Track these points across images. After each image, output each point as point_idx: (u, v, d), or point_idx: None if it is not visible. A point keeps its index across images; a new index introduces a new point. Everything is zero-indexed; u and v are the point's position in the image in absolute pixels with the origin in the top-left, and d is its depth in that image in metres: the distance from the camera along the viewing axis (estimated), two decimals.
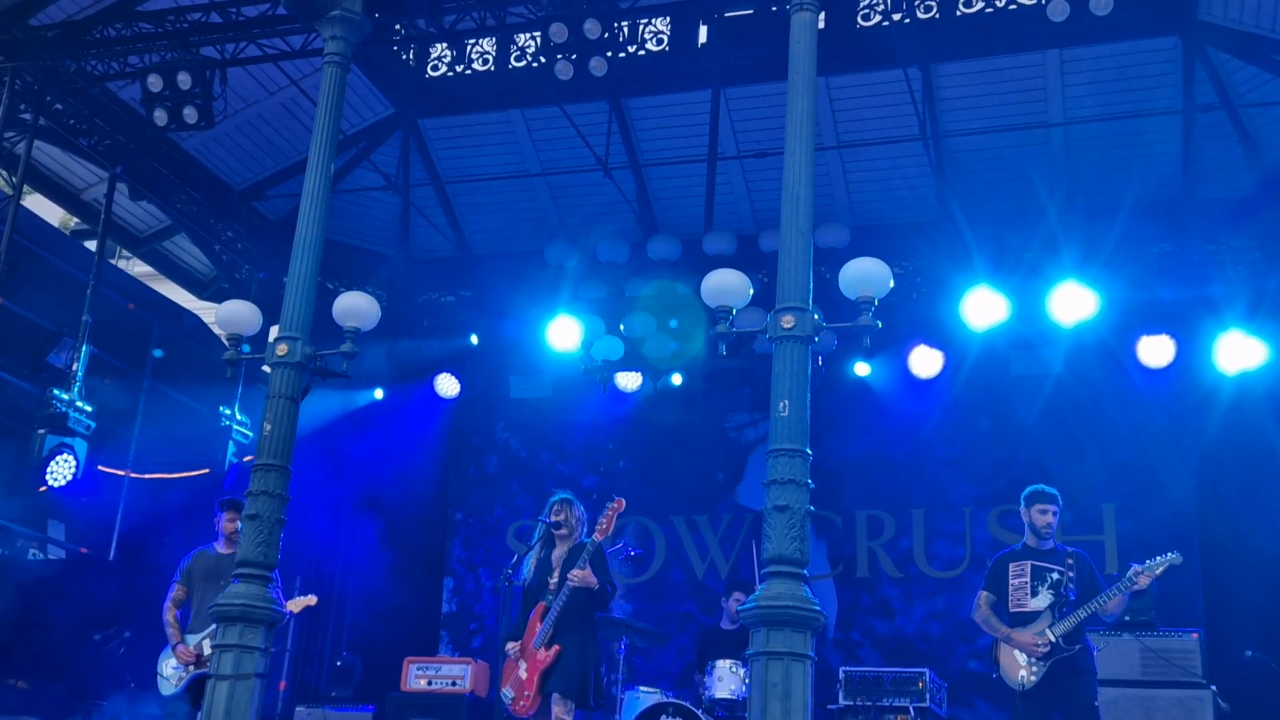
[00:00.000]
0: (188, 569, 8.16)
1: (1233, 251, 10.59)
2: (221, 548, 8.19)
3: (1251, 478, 10.19)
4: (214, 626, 7.65)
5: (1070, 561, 7.25)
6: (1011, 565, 7.38)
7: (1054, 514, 7.34)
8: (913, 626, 11.22)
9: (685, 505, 12.23)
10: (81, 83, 10.15)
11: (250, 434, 11.59)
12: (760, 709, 5.35)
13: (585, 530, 7.58)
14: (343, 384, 11.81)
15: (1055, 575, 7.20)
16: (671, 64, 10.92)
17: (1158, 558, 7.12)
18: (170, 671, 7.98)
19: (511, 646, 7.35)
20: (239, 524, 7.97)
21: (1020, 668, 7.10)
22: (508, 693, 7.29)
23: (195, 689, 7.79)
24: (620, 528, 12.21)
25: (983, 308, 10.49)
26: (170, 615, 8.02)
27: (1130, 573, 7.17)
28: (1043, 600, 7.17)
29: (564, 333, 11.52)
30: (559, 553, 7.49)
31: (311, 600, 8.55)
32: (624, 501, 7.49)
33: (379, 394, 12.86)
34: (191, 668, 7.86)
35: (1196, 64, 9.84)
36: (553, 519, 7.51)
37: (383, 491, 12.70)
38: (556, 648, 7.18)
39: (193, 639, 7.94)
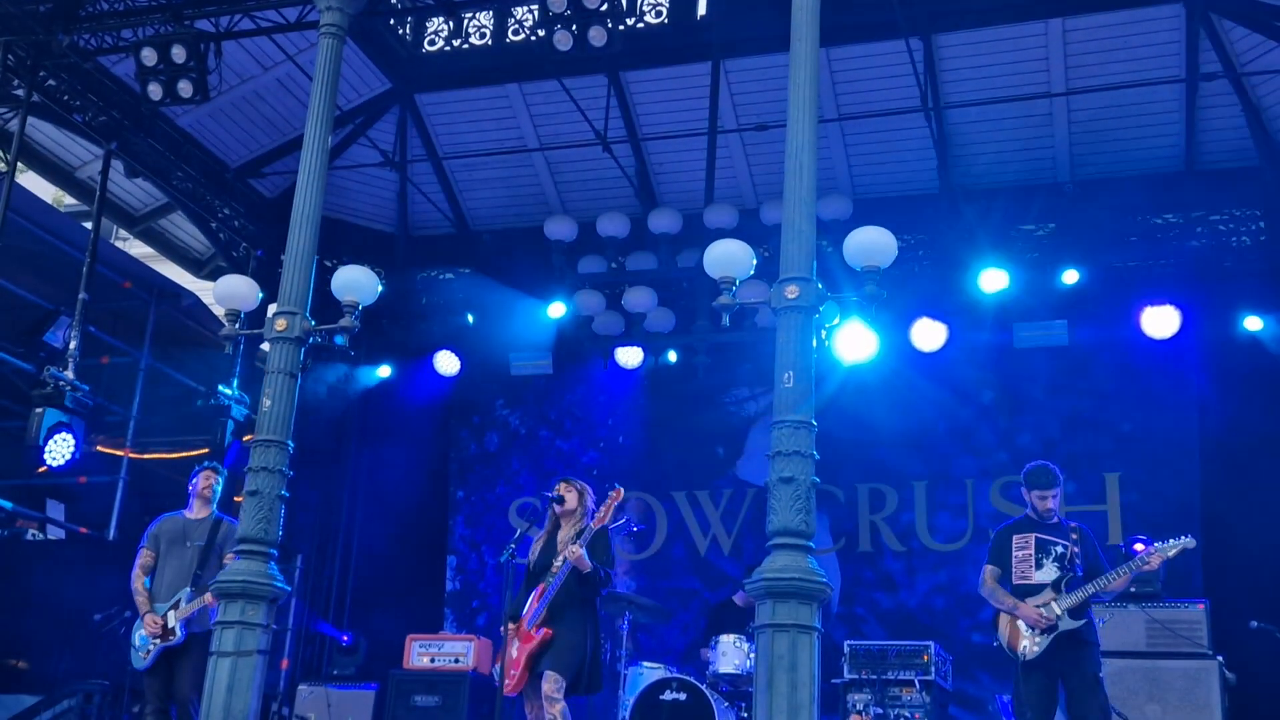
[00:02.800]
0: (155, 534, 7.82)
1: (1237, 221, 10.53)
2: (190, 513, 7.92)
3: (1256, 448, 10.15)
4: (179, 596, 7.59)
5: (1075, 536, 7.20)
6: (1015, 537, 7.32)
7: (1053, 498, 7.25)
8: (916, 600, 11.20)
9: (686, 481, 12.19)
10: (74, 57, 10.05)
11: (234, 405, 11.53)
12: (767, 681, 5.32)
13: (592, 505, 7.51)
14: (346, 361, 11.84)
15: (1060, 549, 7.15)
16: (670, 36, 10.87)
17: (1170, 540, 7.08)
18: (139, 643, 7.62)
19: (511, 627, 7.26)
20: (214, 484, 7.93)
21: (1023, 638, 7.08)
22: (499, 669, 7.24)
23: (166, 662, 7.54)
24: (622, 504, 12.21)
25: (990, 281, 10.54)
26: (139, 584, 7.68)
27: (1142, 553, 7.13)
28: (1048, 573, 7.13)
29: (563, 309, 11.48)
30: (565, 535, 7.40)
31: None
32: (622, 491, 7.38)
33: (385, 371, 12.77)
34: (158, 640, 7.51)
35: (1200, 32, 9.76)
36: (552, 494, 7.43)
37: (384, 469, 12.65)
38: (548, 631, 7.07)
39: (161, 608, 7.60)
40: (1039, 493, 7.27)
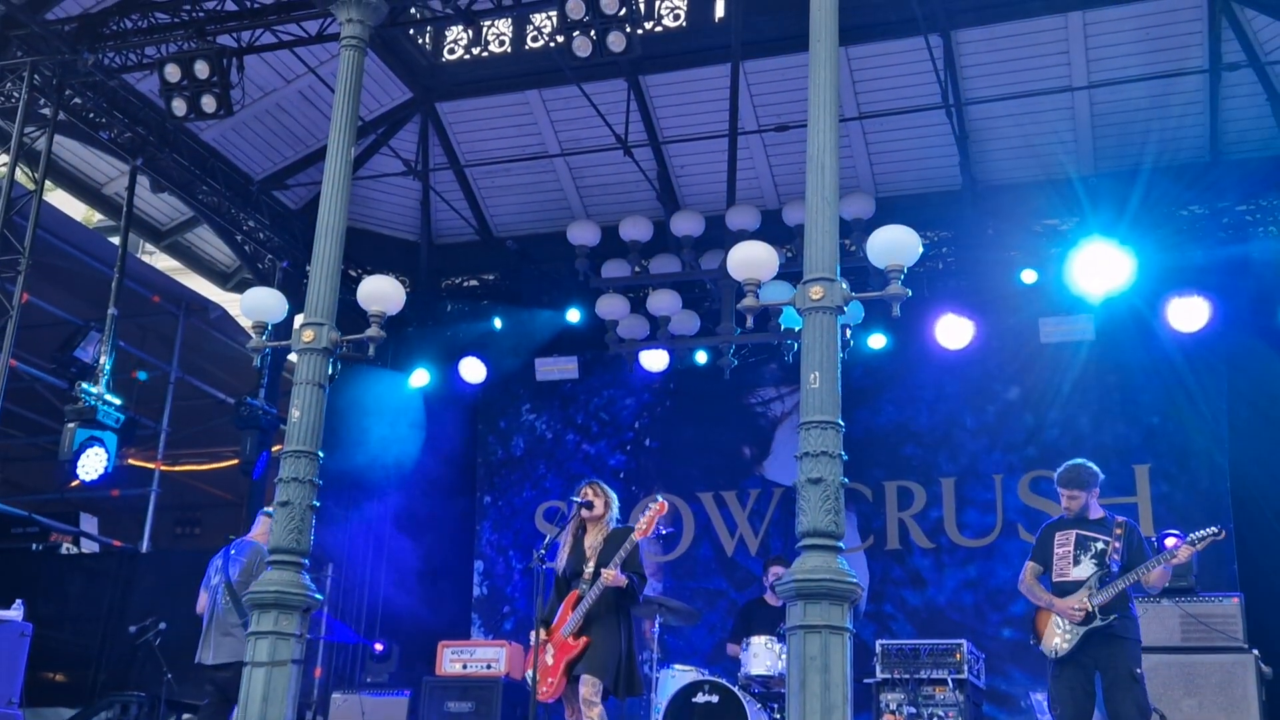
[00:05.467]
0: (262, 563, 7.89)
1: (1264, 211, 10.46)
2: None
3: None
4: None
5: (1119, 531, 7.13)
6: (1057, 534, 7.28)
7: (1071, 499, 7.19)
8: (945, 596, 11.18)
9: (713, 482, 12.21)
10: (99, 75, 10.16)
11: (263, 416, 11.60)
12: (799, 683, 5.31)
13: (618, 514, 7.51)
14: (374, 370, 11.89)
15: (1100, 545, 7.09)
16: (689, 39, 10.89)
17: (1200, 531, 7.03)
18: None
19: (544, 634, 7.23)
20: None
21: (1056, 635, 7.04)
22: (531, 675, 7.23)
23: None
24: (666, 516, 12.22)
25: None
26: None
27: (1172, 546, 7.08)
28: (1084, 570, 7.08)
29: (578, 315, 11.58)
30: (592, 540, 7.38)
31: None
32: (666, 505, 7.42)
33: (423, 379, 12.72)
34: None
35: (1223, 21, 9.71)
36: (581, 499, 7.42)
37: (411, 477, 12.70)
38: (585, 639, 7.08)
39: None
40: (1061, 490, 7.25)
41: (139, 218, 12.43)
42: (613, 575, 7.06)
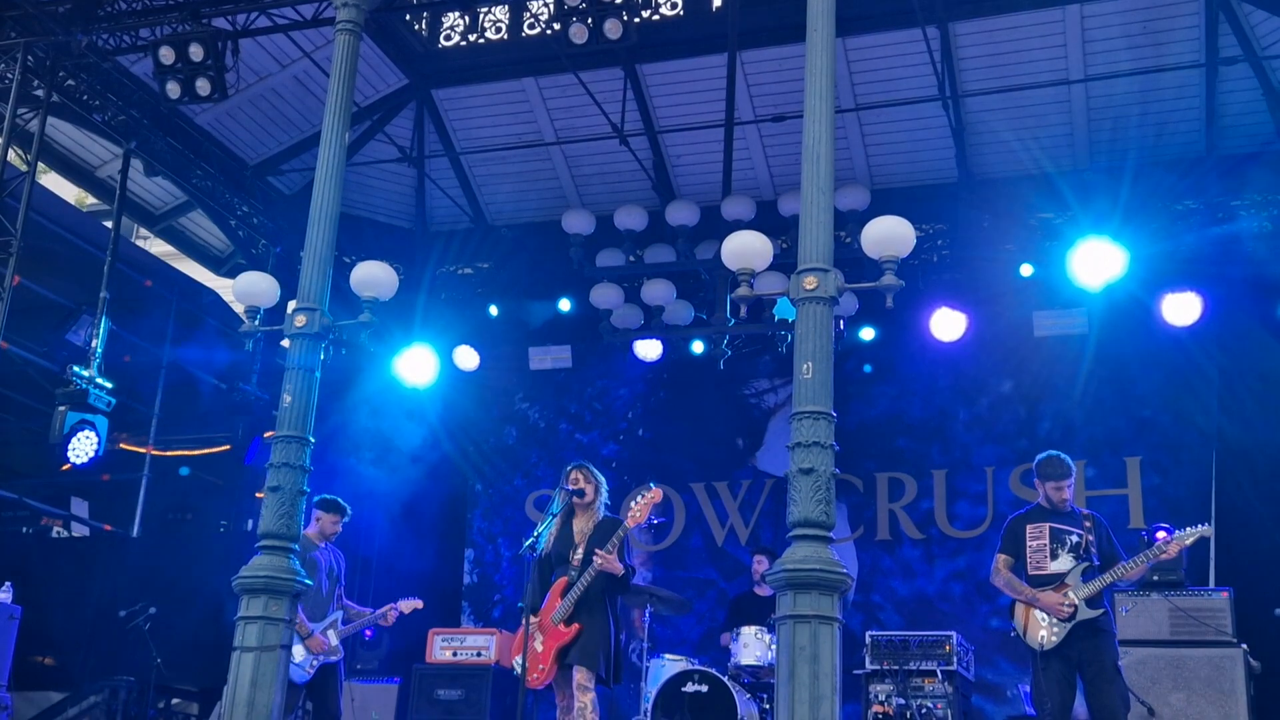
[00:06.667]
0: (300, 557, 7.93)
1: (1259, 206, 10.46)
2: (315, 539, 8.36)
3: (1277, 434, 10.09)
4: (334, 618, 8.30)
5: (1089, 525, 7.16)
6: (1029, 527, 7.29)
7: (1068, 488, 7.23)
8: (934, 587, 11.22)
9: (705, 472, 12.23)
10: (93, 57, 10.11)
11: (255, 401, 11.56)
12: (789, 673, 5.33)
13: (606, 498, 7.50)
14: (367, 356, 11.87)
15: (1075, 538, 7.12)
16: (686, 28, 10.86)
17: (1188, 529, 7.06)
18: (302, 657, 7.95)
19: (533, 620, 7.19)
20: (339, 526, 8.43)
21: (1041, 628, 7.06)
22: (519, 662, 7.23)
23: (321, 676, 8.20)
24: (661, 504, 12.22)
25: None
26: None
27: (1160, 541, 7.12)
28: (1064, 563, 7.11)
29: (569, 305, 11.60)
30: (581, 525, 7.38)
31: (418, 604, 8.91)
32: (661, 492, 7.42)
33: (416, 366, 12.63)
34: (322, 655, 8.16)
35: (1219, 16, 9.69)
36: (572, 487, 7.40)
37: (403, 464, 12.69)
38: (577, 625, 7.08)
39: (317, 627, 8.13)
40: (1054, 484, 7.23)
41: (132, 201, 12.38)
42: (609, 558, 7.05)
